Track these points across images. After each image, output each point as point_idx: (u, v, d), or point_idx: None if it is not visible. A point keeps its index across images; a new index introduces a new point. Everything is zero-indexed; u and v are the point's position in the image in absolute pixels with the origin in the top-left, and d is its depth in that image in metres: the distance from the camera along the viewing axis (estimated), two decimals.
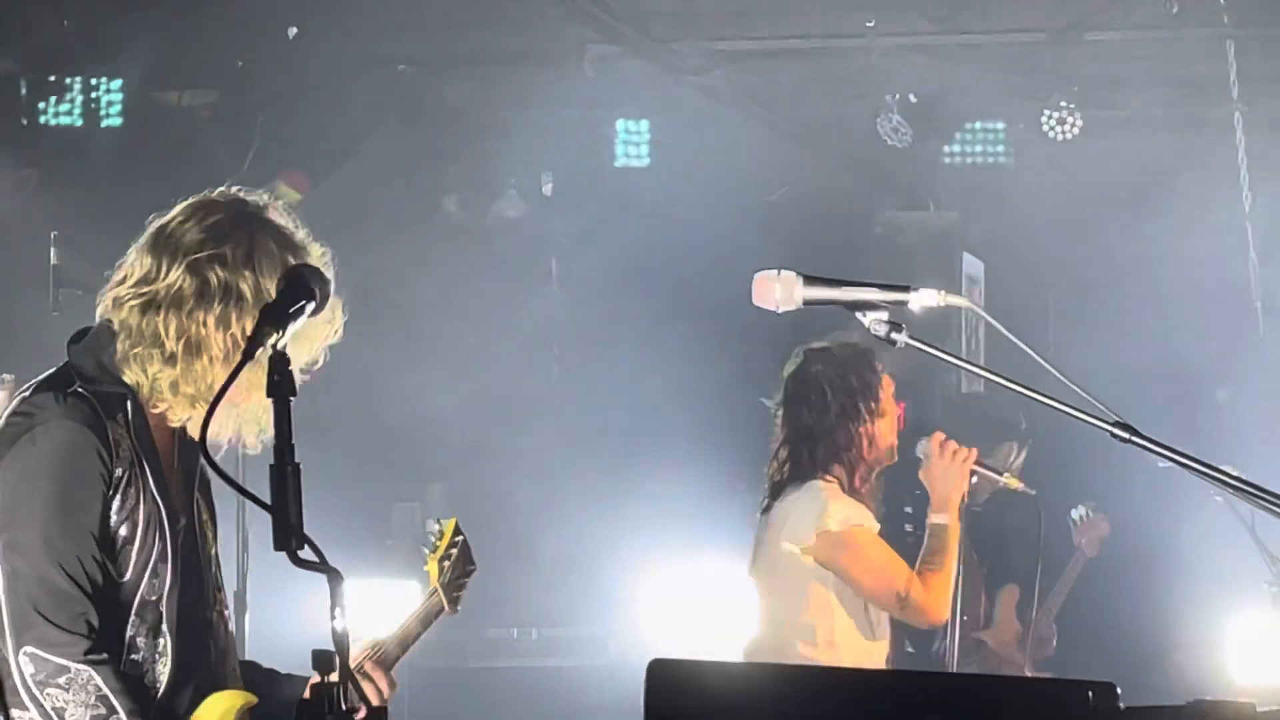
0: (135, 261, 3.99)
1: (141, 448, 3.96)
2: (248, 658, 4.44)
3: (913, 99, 10.79)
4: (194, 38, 9.87)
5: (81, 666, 3.80)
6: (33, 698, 3.81)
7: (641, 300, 12.08)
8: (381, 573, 9.09)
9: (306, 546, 3.19)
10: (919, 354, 3.79)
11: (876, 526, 6.14)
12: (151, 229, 4.02)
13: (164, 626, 3.95)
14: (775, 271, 3.87)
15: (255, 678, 4.28)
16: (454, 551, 4.94)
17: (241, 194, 4.08)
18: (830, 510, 6.07)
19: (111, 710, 3.80)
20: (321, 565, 3.20)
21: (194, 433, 3.97)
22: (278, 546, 3.19)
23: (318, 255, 4.02)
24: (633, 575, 10.28)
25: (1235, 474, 3.68)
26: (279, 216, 4.06)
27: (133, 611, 3.92)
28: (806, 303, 3.89)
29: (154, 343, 3.91)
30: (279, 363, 3.29)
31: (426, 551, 4.94)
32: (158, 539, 3.94)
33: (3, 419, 3.95)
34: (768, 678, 2.72)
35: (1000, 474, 6.28)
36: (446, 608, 4.83)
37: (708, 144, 12.06)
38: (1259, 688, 8.07)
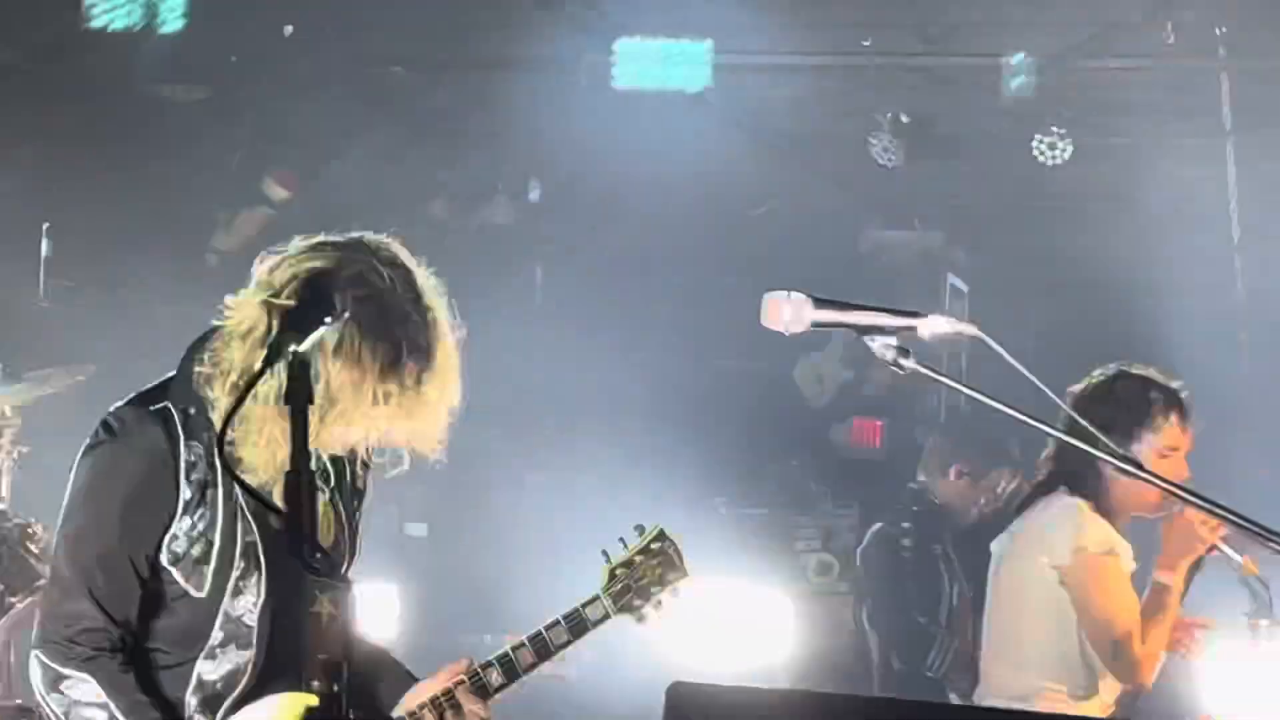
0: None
1: (226, 466, 3.82)
2: None
3: (904, 119, 10.79)
4: (187, 32, 9.82)
5: (81, 675, 3.84)
6: (43, 698, 3.89)
7: (624, 309, 12.07)
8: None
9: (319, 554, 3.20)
10: (896, 374, 3.75)
11: (1132, 564, 5.87)
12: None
13: (254, 638, 3.96)
14: (785, 293, 3.78)
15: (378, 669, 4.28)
16: (643, 558, 4.58)
17: (365, 241, 4.09)
18: (1089, 531, 5.82)
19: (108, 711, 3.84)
20: (331, 572, 3.21)
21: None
22: (291, 552, 3.19)
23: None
24: None
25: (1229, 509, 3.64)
26: (386, 277, 4.03)
27: (216, 626, 3.93)
28: (815, 325, 3.83)
29: (221, 370, 3.86)
30: (299, 369, 3.28)
31: (609, 556, 4.58)
32: (239, 557, 3.92)
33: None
34: (791, 703, 2.70)
35: (1239, 556, 5.79)
36: (611, 614, 4.53)
37: (695, 155, 12.05)
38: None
